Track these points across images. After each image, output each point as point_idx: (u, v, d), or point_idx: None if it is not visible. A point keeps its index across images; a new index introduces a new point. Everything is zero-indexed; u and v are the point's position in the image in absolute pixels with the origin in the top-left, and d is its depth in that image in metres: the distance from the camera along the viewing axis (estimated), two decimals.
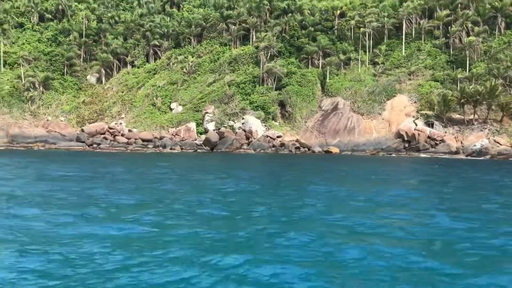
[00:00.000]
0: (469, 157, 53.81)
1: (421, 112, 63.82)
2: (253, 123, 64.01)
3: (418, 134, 59.74)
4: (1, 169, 29.00)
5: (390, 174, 31.91)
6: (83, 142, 61.48)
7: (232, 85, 70.93)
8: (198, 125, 67.15)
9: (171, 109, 71.13)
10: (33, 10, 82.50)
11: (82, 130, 63.95)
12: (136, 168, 33.00)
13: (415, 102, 66.32)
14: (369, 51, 76.96)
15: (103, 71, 76.96)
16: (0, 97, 68.57)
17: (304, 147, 60.77)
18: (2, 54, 73.77)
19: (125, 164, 36.99)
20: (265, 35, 77.79)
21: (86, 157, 43.35)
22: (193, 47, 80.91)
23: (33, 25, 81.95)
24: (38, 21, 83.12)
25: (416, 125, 61.63)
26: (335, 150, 59.06)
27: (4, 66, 74.28)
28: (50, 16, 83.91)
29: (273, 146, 61.62)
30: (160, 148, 60.94)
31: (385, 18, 77.57)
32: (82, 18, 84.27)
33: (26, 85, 70.89)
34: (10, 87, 70.19)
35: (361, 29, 75.95)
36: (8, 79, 71.71)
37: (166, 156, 48.40)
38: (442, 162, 44.47)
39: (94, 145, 60.96)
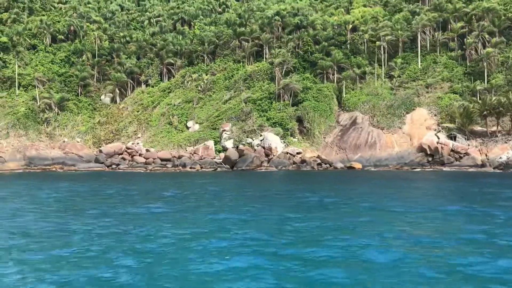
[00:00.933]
0: (496, 170, 52.87)
1: (443, 125, 63.06)
2: (272, 139, 63.28)
3: (442, 147, 58.90)
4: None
5: (458, 189, 30.93)
6: (102, 163, 60.76)
7: (248, 102, 70.41)
8: (216, 143, 66.43)
9: (187, 128, 70.51)
10: (45, 31, 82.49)
11: (100, 151, 63.28)
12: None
13: (435, 115, 65.61)
14: (384, 65, 76.56)
15: (117, 91, 76.57)
16: (16, 119, 68.06)
17: (325, 163, 59.92)
18: (16, 76, 73.42)
19: (174, 184, 36.19)
20: (279, 51, 77.58)
21: (123, 179, 42.62)
22: (207, 65, 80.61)
23: (45, 46, 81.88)
24: (51, 42, 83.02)
25: (439, 138, 60.81)
26: (357, 165, 58.17)
27: (18, 88, 73.91)
28: (62, 37, 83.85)
29: (294, 163, 60.80)
30: (180, 167, 60.11)
31: (399, 31, 77.23)
32: (94, 38, 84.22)
33: (42, 106, 70.49)
34: (26, 109, 69.78)
35: (376, 42, 75.59)
36: (23, 101, 71.34)
37: (193, 176, 47.52)
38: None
39: (113, 166, 60.19)
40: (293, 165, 60.16)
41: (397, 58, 76.75)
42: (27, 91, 73.82)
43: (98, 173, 52.54)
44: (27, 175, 48.66)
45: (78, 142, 68.30)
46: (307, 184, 37.78)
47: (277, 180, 43.01)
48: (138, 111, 73.34)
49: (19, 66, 75.98)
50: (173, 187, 35.97)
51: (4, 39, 78.58)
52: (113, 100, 77.30)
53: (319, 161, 60.00)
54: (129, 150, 64.43)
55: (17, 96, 72.33)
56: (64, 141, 67.73)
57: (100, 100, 76.84)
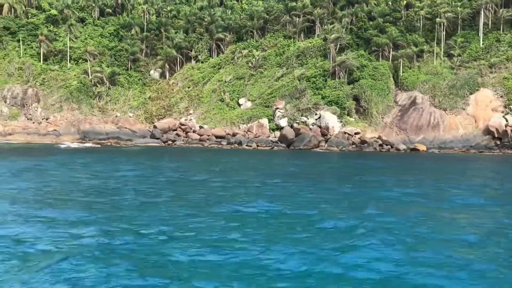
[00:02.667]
0: None
1: (511, 107, 59.90)
2: (330, 119, 61.36)
3: (511, 130, 55.99)
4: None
5: None
6: (158, 138, 60.11)
7: (302, 79, 68.35)
8: (269, 121, 64.93)
9: (239, 105, 69.12)
10: (93, 4, 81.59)
11: (155, 127, 62.57)
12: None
13: (501, 96, 62.39)
14: (441, 43, 73.11)
15: (167, 66, 75.45)
16: (69, 93, 67.87)
17: (386, 144, 57.82)
18: (68, 49, 73.04)
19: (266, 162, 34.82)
20: (333, 27, 74.85)
21: (204, 154, 41.72)
22: (256, 41, 78.56)
23: (94, 20, 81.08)
24: (99, 16, 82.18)
25: (507, 120, 57.83)
26: (422, 147, 55.93)
27: (69, 62, 73.59)
28: (110, 10, 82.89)
29: (353, 143, 58.88)
30: (235, 145, 58.99)
31: (458, 8, 73.38)
32: (142, 12, 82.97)
33: (93, 80, 70.04)
34: (78, 83, 69.44)
35: (436, 19, 72.05)
36: (75, 75, 71.06)
37: (258, 154, 46.31)
38: None
39: (169, 142, 59.49)
40: (352, 146, 58.29)
41: (457, 37, 73.14)
42: (78, 64, 73.44)
43: (161, 149, 51.91)
44: (90, 150, 48.16)
45: (130, 117, 67.81)
46: (399, 168, 35.45)
47: (357, 161, 41.12)
48: (188, 87, 72.23)
49: (70, 39, 75.47)
50: (275, 165, 34.31)
51: (54, 11, 78.09)
52: (162, 75, 76.36)
53: (380, 142, 57.92)
54: (183, 127, 63.59)
55: (68, 69, 72.01)
56: (116, 116, 67.36)
57: (149, 75, 75.96)
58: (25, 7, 78.94)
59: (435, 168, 35.38)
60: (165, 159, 39.26)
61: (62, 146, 53.04)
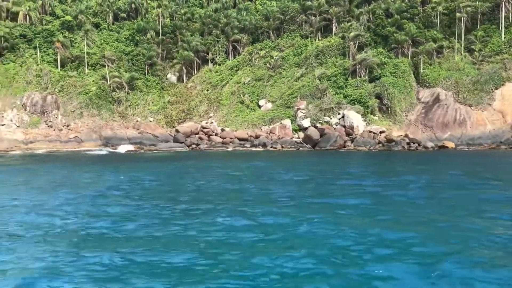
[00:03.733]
0: None
1: None
2: (354, 118, 60.58)
3: None
4: None
5: None
6: (181, 142, 59.50)
7: (322, 78, 67.62)
8: (291, 122, 64.21)
9: (259, 106, 68.46)
10: (108, 10, 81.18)
11: (177, 131, 62.00)
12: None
13: None
14: (461, 38, 72.21)
15: (184, 70, 74.90)
16: (88, 99, 67.39)
17: (414, 143, 56.95)
18: (85, 55, 72.62)
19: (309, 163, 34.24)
20: (350, 25, 74.09)
21: (242, 159, 41.26)
22: (272, 41, 77.91)
23: (108, 25, 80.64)
24: (113, 21, 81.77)
25: None
26: (450, 145, 55.06)
27: (86, 67, 73.14)
28: (124, 15, 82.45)
29: (379, 142, 58.07)
30: (260, 147, 58.33)
31: (477, 2, 72.46)
32: (156, 16, 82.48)
33: (112, 86, 69.57)
34: (97, 88, 68.96)
35: (457, 14, 71.17)
36: (93, 80, 70.56)
37: (287, 156, 45.59)
38: None
39: (193, 146, 58.89)
40: (379, 145, 57.47)
41: (477, 31, 72.24)
42: (96, 70, 72.96)
43: (193, 153, 51.16)
44: (119, 157, 47.63)
45: (151, 121, 67.27)
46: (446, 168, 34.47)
47: (397, 161, 40.31)
48: (207, 90, 71.63)
49: (87, 45, 75.04)
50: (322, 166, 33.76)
51: (69, 18, 77.70)
52: (179, 79, 75.80)
53: (407, 140, 57.05)
54: (205, 130, 62.99)
55: (86, 75, 71.56)
56: (137, 121, 66.83)
57: (167, 79, 75.43)
58: (40, 14, 78.60)
59: (489, 164, 34.52)
60: (226, 162, 38.86)
61: (92, 152, 52.78)
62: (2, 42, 71.69)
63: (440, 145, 55.36)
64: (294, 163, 37.89)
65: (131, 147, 56.47)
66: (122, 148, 54.90)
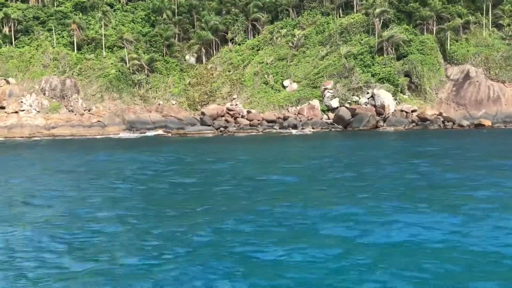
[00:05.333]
0: None
1: None
2: (385, 97, 59.05)
3: None
4: None
5: None
6: (209, 125, 57.96)
7: (348, 57, 65.81)
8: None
9: (284, 87, 66.74)
10: None
11: (203, 113, 60.34)
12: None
13: None
14: (487, 13, 70.34)
15: (203, 50, 72.77)
16: (108, 82, 65.43)
17: (448, 121, 55.68)
18: (103, 37, 70.36)
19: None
20: (374, 1, 71.83)
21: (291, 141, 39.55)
22: (292, 19, 75.66)
23: (122, 5, 78.01)
24: (127, 1, 79.10)
25: None
26: (487, 122, 53.88)
27: (104, 50, 70.94)
28: None
29: (412, 121, 56.76)
30: (290, 128, 56.90)
31: None
32: None
33: (132, 68, 67.57)
34: (116, 71, 66.95)
35: None
36: (112, 63, 68.47)
37: (332, 137, 44.27)
38: None
39: (221, 129, 57.40)
40: (412, 124, 56.18)
41: (504, 5, 70.44)
42: (113, 52, 70.77)
43: (225, 137, 49.70)
44: (153, 141, 46.20)
45: (173, 104, 65.54)
46: None
47: (466, 140, 38.76)
48: (229, 71, 69.68)
49: (100, 27, 72.71)
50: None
51: None
52: (198, 60, 73.69)
53: (441, 119, 55.75)
54: (231, 112, 61.38)
55: (104, 57, 69.43)
56: (159, 104, 65.08)
57: (185, 60, 73.31)
58: None
59: None
60: (282, 146, 37.32)
61: (124, 136, 51.63)
62: (16, 25, 69.26)
63: (476, 123, 54.10)
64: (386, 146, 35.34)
65: (160, 132, 55.16)
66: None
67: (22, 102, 62.31)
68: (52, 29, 71.17)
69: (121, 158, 29.64)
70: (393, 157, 26.45)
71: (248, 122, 59.88)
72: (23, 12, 70.74)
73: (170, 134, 55.72)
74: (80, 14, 73.85)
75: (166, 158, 28.90)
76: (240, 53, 72.39)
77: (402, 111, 58.02)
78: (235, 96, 66.65)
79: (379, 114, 58.43)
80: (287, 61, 68.98)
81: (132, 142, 45.65)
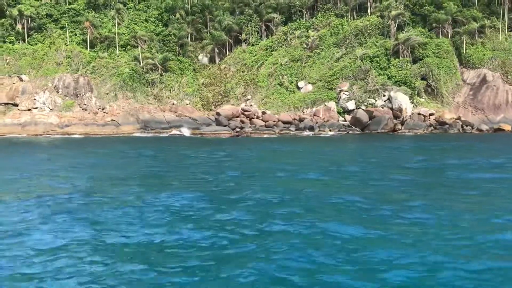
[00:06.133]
0: None
1: None
2: (402, 100, 58.56)
3: None
4: None
5: None
6: (225, 126, 57.42)
7: (364, 59, 65.36)
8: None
9: (298, 88, 66.27)
10: None
11: (218, 114, 59.78)
12: None
13: None
14: (503, 17, 69.95)
15: (217, 51, 72.30)
16: (122, 81, 64.91)
17: (466, 125, 55.22)
18: (117, 35, 69.87)
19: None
20: (389, 3, 71.45)
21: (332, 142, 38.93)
22: (306, 20, 75.26)
23: (135, 4, 77.54)
24: (139, 0, 78.61)
25: None
26: (507, 127, 53.42)
27: (117, 48, 70.44)
28: None
29: (430, 125, 56.29)
30: (306, 130, 56.36)
31: None
32: None
33: (145, 67, 67.06)
34: (130, 70, 66.42)
35: None
36: (125, 62, 67.97)
37: (352, 140, 43.74)
38: None
39: (237, 129, 56.85)
40: (430, 127, 55.70)
41: None
42: (126, 51, 70.28)
43: (246, 139, 49.03)
44: (175, 140, 45.64)
45: (187, 104, 65.01)
46: None
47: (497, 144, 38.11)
48: (243, 72, 69.20)
49: (113, 25, 72.25)
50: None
51: None
52: (211, 60, 73.22)
53: (460, 123, 55.28)
54: (246, 113, 60.84)
55: (117, 56, 68.92)
56: (173, 104, 64.55)
57: (198, 60, 72.84)
58: None
59: None
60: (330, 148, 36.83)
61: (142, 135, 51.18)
62: (29, 22, 68.74)
63: (496, 128, 53.64)
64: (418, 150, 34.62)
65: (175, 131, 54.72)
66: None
67: (35, 99, 61.77)
68: (65, 27, 70.66)
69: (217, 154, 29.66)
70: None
71: (263, 123, 59.36)
72: (36, 9, 70.26)
73: (187, 134, 55.25)
74: (93, 12, 73.37)
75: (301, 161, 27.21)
76: (253, 53, 71.95)
77: (419, 114, 57.54)
78: (249, 96, 66.18)
79: (396, 117, 57.93)
80: (302, 62, 68.56)
81: (169, 140, 45.27)
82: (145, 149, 35.92)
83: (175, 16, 75.48)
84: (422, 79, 63.11)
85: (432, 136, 49.30)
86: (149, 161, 27.87)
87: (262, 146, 37.43)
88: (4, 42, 67.63)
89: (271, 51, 71.99)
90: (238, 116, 60.75)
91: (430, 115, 57.96)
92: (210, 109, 64.92)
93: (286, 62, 68.77)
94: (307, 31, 72.67)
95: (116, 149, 35.82)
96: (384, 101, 60.78)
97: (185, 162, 26.74)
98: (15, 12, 67.87)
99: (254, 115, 60.87)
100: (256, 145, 39.17)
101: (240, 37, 73.61)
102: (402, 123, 56.43)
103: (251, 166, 23.93)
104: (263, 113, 61.55)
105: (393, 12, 67.75)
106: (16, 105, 61.60)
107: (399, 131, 54.49)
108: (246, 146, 37.47)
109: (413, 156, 28.61)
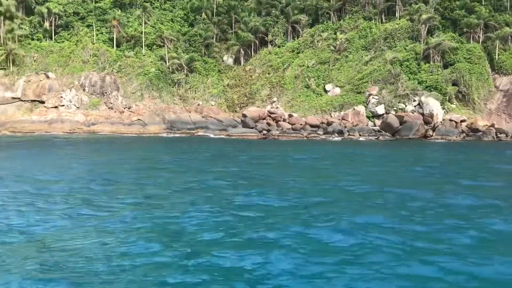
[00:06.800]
0: None
1: None
2: (434, 105, 57.24)
3: None
4: None
5: None
6: (252, 128, 56.67)
7: (394, 63, 64.12)
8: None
9: (326, 91, 65.25)
10: None
11: (244, 115, 59.07)
12: None
13: None
14: None
15: (242, 52, 71.65)
16: (148, 80, 64.62)
17: (501, 133, 53.68)
18: (143, 34, 69.65)
19: None
20: (418, 7, 70.09)
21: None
22: (333, 22, 74.21)
23: (160, 3, 77.30)
24: (165, 0, 78.39)
25: None
26: None
27: (143, 48, 70.20)
28: None
29: (462, 131, 54.85)
30: (335, 134, 55.31)
31: None
32: None
33: (171, 67, 66.68)
34: (156, 70, 66.09)
35: None
36: (151, 61, 67.67)
37: (406, 145, 42.65)
38: None
39: (264, 132, 56.07)
40: (462, 134, 54.26)
41: None
42: (152, 50, 70.01)
43: (280, 142, 48.31)
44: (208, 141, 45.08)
45: (212, 105, 64.43)
46: None
47: None
48: (268, 73, 68.41)
49: (139, 24, 72.06)
50: None
51: None
52: (236, 61, 72.61)
53: (494, 130, 53.76)
54: (272, 115, 60.02)
55: (143, 55, 68.66)
56: (198, 104, 64.02)
57: (223, 61, 72.25)
58: None
59: None
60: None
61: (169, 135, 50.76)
62: (57, 19, 68.87)
63: None
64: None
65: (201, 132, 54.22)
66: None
67: (61, 97, 61.73)
68: (91, 25, 70.67)
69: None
70: None
71: (290, 126, 58.50)
72: (63, 7, 70.36)
73: (212, 135, 54.67)
74: (119, 10, 73.24)
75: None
76: (280, 55, 71.13)
77: (451, 120, 56.13)
78: (275, 99, 65.36)
79: (426, 123, 56.61)
80: (329, 65, 67.54)
81: (209, 141, 45.09)
82: (209, 149, 35.80)
83: (201, 16, 75.03)
84: (453, 84, 61.67)
85: (470, 143, 47.83)
86: (265, 164, 26.62)
87: (321, 149, 36.68)
88: (32, 39, 67.79)
89: (298, 53, 71.13)
90: (264, 118, 59.97)
91: (461, 121, 56.54)
92: (235, 111, 64.28)
93: (313, 65, 67.83)
94: (335, 34, 71.68)
95: (177, 150, 35.59)
96: (414, 106, 59.49)
97: (299, 165, 26.03)
98: (43, 9, 68.03)
99: (281, 117, 60.04)
100: (309, 147, 38.51)
101: (266, 38, 72.87)
102: (434, 129, 55.08)
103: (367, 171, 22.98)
104: (290, 115, 60.67)
105: (424, 16, 66.38)
106: (43, 102, 61.62)
107: (431, 138, 53.11)
108: (298, 149, 36.82)
109: None
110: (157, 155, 31.13)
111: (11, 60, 63.56)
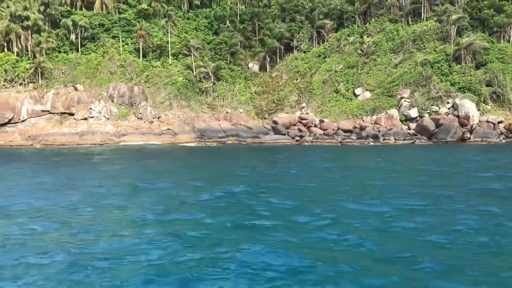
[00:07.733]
0: None
1: None
2: (470, 107, 55.93)
3: None
4: None
5: None
6: (284, 134, 55.93)
7: (425, 65, 63.00)
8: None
9: (355, 95, 64.32)
10: None
11: (275, 122, 58.38)
12: None
13: None
14: None
15: (268, 58, 71.12)
16: (176, 89, 64.36)
17: None
18: (169, 44, 69.54)
19: None
20: (446, 7, 68.99)
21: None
22: (358, 26, 73.38)
23: (184, 12, 77.26)
24: (188, 9, 78.38)
25: None
26: None
27: (170, 57, 70.06)
28: (198, 2, 78.88)
29: (501, 133, 53.45)
30: (370, 139, 54.29)
31: None
32: (231, 3, 78.81)
33: (198, 76, 66.37)
34: (183, 79, 65.85)
35: None
36: (178, 70, 67.45)
37: (451, 149, 41.44)
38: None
39: (296, 138, 55.27)
40: (501, 136, 52.85)
41: None
42: (178, 59, 69.83)
43: (323, 147, 47.37)
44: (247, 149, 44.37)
45: (241, 113, 63.87)
46: None
47: None
48: (296, 79, 67.74)
49: (164, 33, 72.01)
50: None
51: (144, 5, 74.72)
52: (261, 68, 72.08)
53: None
54: (303, 121, 59.24)
55: (170, 65, 68.49)
56: (227, 112, 63.51)
57: (248, 68, 71.79)
58: (114, 3, 75.74)
59: None
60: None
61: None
62: (83, 32, 69.12)
63: None
64: None
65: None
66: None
67: (91, 108, 61.66)
68: (117, 36, 70.78)
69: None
70: None
71: (322, 131, 57.64)
72: (89, 19, 70.62)
73: (245, 142, 54.03)
74: (143, 21, 73.29)
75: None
76: (306, 60, 70.47)
77: (488, 122, 54.75)
78: (304, 104, 64.60)
79: (462, 125, 55.32)
80: (358, 69, 66.66)
81: (256, 150, 44.23)
82: (275, 159, 34.73)
83: (225, 24, 74.79)
84: (487, 85, 60.34)
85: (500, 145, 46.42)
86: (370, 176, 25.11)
87: (394, 155, 35.59)
88: (59, 52, 68.05)
89: (324, 57, 70.38)
90: (295, 125, 59.25)
91: (499, 122, 55.15)
92: (264, 118, 63.66)
93: (341, 69, 67.02)
94: (361, 37, 70.85)
95: (251, 161, 33.94)
96: (448, 108, 58.28)
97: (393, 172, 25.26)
98: (69, 22, 68.32)
99: (312, 123, 59.24)
100: (371, 152, 37.50)
101: (291, 44, 72.27)
102: (471, 132, 53.74)
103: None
104: (321, 121, 59.84)
105: (454, 16, 65.27)
106: (72, 114, 61.63)
107: (469, 140, 51.80)
108: (366, 155, 35.72)
109: None
110: (286, 167, 29.00)
111: (39, 73, 63.79)
